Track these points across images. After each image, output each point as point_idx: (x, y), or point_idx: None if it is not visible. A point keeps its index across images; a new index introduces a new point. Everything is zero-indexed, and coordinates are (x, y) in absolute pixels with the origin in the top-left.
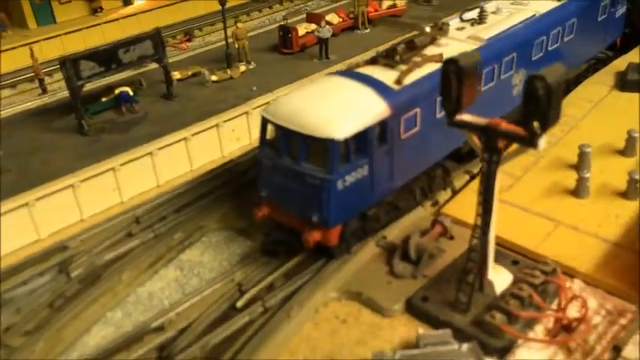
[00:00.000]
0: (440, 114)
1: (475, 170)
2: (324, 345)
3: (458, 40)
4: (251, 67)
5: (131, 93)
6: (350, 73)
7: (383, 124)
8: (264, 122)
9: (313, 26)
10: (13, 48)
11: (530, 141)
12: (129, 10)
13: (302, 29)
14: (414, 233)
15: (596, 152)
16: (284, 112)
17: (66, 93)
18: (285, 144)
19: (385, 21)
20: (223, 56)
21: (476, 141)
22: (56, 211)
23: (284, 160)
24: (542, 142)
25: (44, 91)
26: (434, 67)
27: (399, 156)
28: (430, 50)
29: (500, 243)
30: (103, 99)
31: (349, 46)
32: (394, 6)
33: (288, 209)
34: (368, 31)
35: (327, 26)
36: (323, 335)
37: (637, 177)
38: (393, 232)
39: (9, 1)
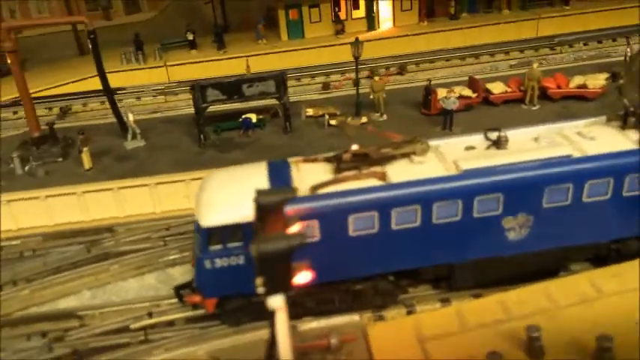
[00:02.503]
0: (353, 233)
1: (455, 301)
2: None
3: (436, 162)
4: (381, 119)
5: (254, 120)
6: (278, 167)
7: None
8: None
9: (464, 92)
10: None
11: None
12: (368, 35)
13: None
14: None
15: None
16: (204, 185)
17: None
18: None
19: (565, 103)
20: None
21: None
22: (135, 200)
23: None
24: (274, 302)
25: None
26: (372, 183)
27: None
28: (391, 166)
29: None
30: (240, 119)
31: (494, 120)
32: (584, 86)
33: None
34: (535, 108)
35: (453, 97)
36: None
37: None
38: (311, 325)
39: (273, 15)
